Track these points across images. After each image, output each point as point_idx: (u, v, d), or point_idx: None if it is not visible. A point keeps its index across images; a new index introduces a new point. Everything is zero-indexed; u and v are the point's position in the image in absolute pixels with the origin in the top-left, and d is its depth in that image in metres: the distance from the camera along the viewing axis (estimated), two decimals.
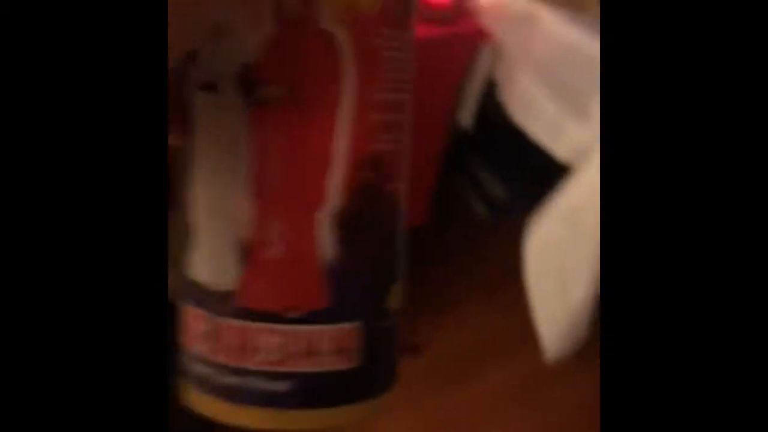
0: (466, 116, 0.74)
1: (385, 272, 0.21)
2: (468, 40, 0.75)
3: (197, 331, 0.20)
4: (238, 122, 0.19)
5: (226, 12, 0.18)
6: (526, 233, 0.59)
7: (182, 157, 0.20)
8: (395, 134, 0.20)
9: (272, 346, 0.19)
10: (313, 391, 0.20)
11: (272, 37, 0.18)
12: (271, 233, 0.19)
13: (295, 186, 0.19)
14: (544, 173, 0.60)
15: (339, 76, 0.19)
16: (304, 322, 0.19)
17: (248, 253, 0.19)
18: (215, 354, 0.20)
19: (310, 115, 0.19)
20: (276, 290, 0.19)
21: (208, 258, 0.20)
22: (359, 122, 0.19)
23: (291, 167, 0.19)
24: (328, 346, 0.20)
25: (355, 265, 0.20)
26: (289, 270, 0.19)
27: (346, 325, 0.20)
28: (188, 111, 0.20)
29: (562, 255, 0.54)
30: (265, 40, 0.18)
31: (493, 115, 0.69)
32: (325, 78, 0.19)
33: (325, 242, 0.19)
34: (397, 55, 0.20)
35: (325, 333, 0.20)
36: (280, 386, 0.20)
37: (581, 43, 0.58)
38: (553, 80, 0.61)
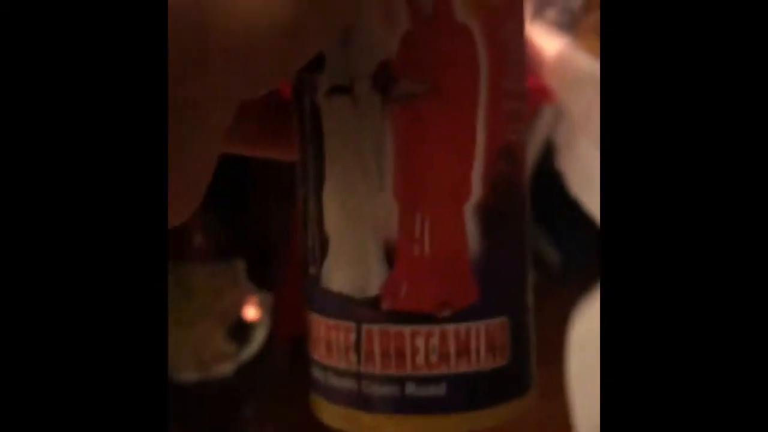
0: None
1: (523, 265, 0.21)
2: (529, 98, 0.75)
3: (340, 343, 0.20)
4: (376, 122, 0.19)
5: (360, 12, 0.18)
6: (575, 313, 0.57)
7: (307, 169, 0.20)
8: (522, 124, 0.21)
9: (426, 348, 0.19)
10: (467, 393, 0.19)
11: (409, 33, 0.18)
12: (416, 231, 0.19)
13: (441, 180, 0.19)
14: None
15: (476, 68, 0.19)
16: (456, 321, 0.19)
17: (394, 255, 0.19)
18: (365, 364, 0.19)
19: (452, 108, 0.19)
20: (426, 290, 0.19)
21: (351, 265, 0.19)
22: (494, 112, 0.19)
23: (436, 161, 0.19)
24: (479, 343, 0.19)
25: (498, 258, 0.20)
26: (438, 267, 0.19)
27: (496, 321, 0.20)
28: (314, 119, 0.20)
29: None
30: (402, 37, 0.18)
31: (551, 182, 0.65)
32: (463, 70, 0.19)
33: (472, 236, 0.19)
34: (518, 44, 0.20)
35: (477, 330, 0.19)
36: (436, 390, 0.19)
37: None
38: None
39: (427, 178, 0.19)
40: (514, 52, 0.20)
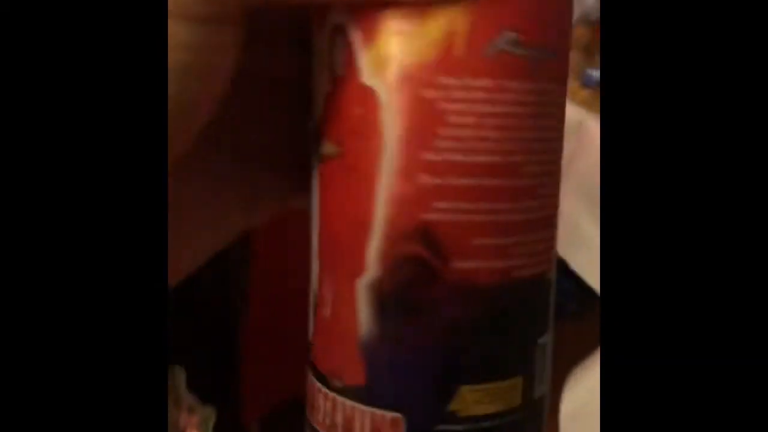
0: None
1: (441, 368, 0.18)
2: None
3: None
4: (311, 181, 0.19)
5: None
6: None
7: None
8: (459, 203, 0.17)
9: (324, 409, 0.19)
10: None
11: (329, 93, 0.18)
12: (326, 293, 0.19)
13: (338, 248, 0.18)
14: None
15: (378, 134, 0.17)
16: (345, 395, 0.18)
17: (314, 310, 0.19)
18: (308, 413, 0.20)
19: (351, 176, 0.18)
20: (326, 353, 0.19)
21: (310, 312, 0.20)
22: (403, 185, 0.17)
23: (336, 228, 0.18)
24: (363, 428, 0.18)
25: (394, 349, 0.18)
26: (335, 335, 0.18)
27: (387, 415, 0.18)
28: None
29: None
30: (324, 96, 0.18)
31: None
32: (364, 136, 0.17)
33: (363, 315, 0.18)
34: (468, 108, 0.17)
35: (362, 414, 0.18)
36: None
37: None
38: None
39: (330, 243, 0.18)
40: (446, 119, 0.17)
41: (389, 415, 0.18)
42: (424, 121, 0.17)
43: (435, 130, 0.17)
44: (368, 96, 0.17)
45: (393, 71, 0.17)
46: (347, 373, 0.18)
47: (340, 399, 0.18)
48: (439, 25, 0.16)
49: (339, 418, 0.18)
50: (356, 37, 0.17)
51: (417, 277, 0.17)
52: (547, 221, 0.18)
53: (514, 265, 0.18)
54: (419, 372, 0.17)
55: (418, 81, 0.16)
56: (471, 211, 0.17)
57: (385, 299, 0.17)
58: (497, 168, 0.17)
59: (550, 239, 0.19)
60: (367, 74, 0.17)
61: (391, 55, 0.17)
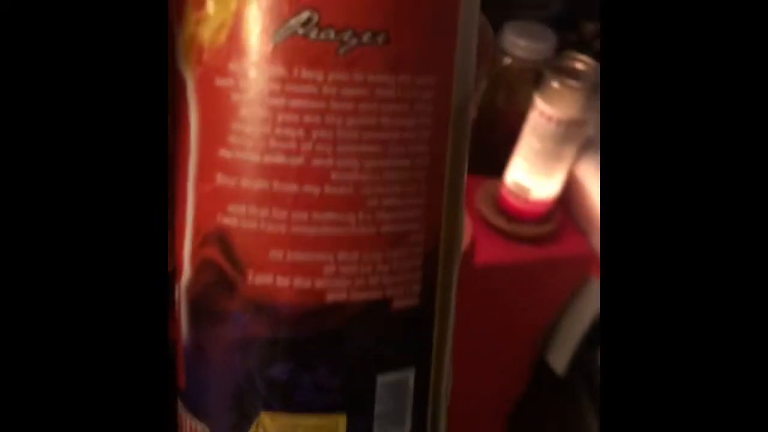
0: (560, 361, 0.57)
1: (237, 386, 0.16)
2: (569, 267, 0.61)
3: None
4: None
5: None
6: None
7: None
8: (253, 208, 0.15)
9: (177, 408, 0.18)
10: None
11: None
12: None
13: (171, 246, 0.17)
14: None
15: (186, 126, 0.15)
16: (178, 397, 0.17)
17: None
18: None
19: (172, 172, 0.16)
20: (174, 354, 0.18)
21: None
22: (202, 184, 0.15)
23: (171, 229, 0.17)
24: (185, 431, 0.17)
25: (200, 358, 0.16)
26: (174, 334, 0.17)
27: (197, 424, 0.16)
28: None
29: None
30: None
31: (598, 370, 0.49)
32: (177, 129, 0.16)
33: (183, 317, 0.16)
34: (260, 100, 0.14)
35: (184, 419, 0.17)
36: None
37: None
38: None
39: (170, 244, 0.17)
40: (241, 117, 0.15)
41: (200, 425, 0.16)
42: (218, 113, 0.15)
43: (228, 124, 0.15)
44: (180, 84, 0.15)
45: (194, 57, 0.15)
46: (178, 376, 0.17)
47: (179, 401, 0.17)
48: (230, 2, 0.14)
49: (179, 421, 0.17)
50: (173, 16, 0.15)
51: (215, 285, 0.15)
52: (389, 239, 0.15)
53: (328, 287, 0.15)
54: (220, 386, 0.16)
55: (213, 68, 0.15)
56: (265, 219, 0.15)
57: (192, 303, 0.16)
58: (296, 171, 0.15)
59: (400, 260, 0.15)
60: (178, 59, 0.15)
61: (192, 38, 0.15)
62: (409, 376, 0.16)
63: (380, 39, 0.14)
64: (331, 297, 0.15)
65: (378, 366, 0.16)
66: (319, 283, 0.15)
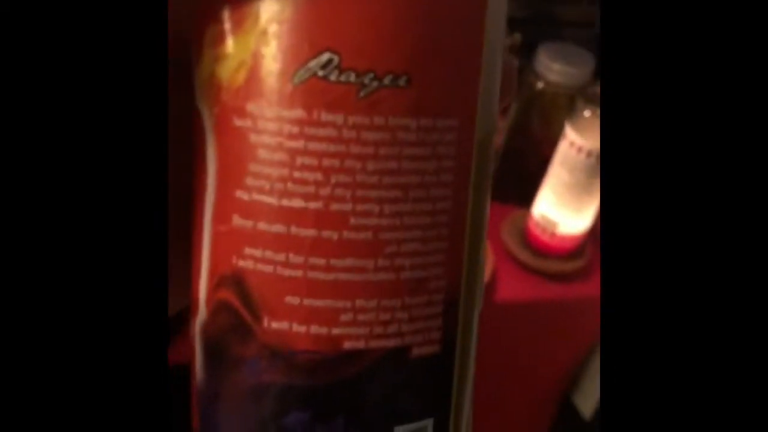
0: (588, 404, 0.55)
1: None
2: (598, 307, 0.56)
3: None
4: None
5: None
6: None
7: None
8: (269, 252, 0.14)
9: None
10: None
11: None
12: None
13: (189, 286, 0.17)
14: None
15: (203, 165, 0.15)
16: None
17: None
18: None
19: (192, 206, 0.16)
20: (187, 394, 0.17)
21: None
22: (219, 225, 0.15)
23: (192, 260, 0.17)
24: None
25: (214, 403, 0.16)
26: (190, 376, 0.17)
27: None
28: None
29: None
30: None
31: None
32: (196, 166, 0.16)
33: (197, 357, 0.16)
34: (279, 142, 0.14)
35: None
36: None
37: None
38: None
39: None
40: (260, 159, 0.14)
41: None
42: (236, 154, 0.15)
43: (246, 165, 0.14)
44: (197, 121, 0.15)
45: (212, 95, 0.15)
46: (192, 415, 0.17)
47: None
48: (249, 41, 0.14)
49: None
50: (192, 52, 0.15)
51: (231, 329, 0.15)
52: (408, 286, 0.15)
53: (345, 334, 0.15)
54: None
55: (231, 108, 0.14)
56: (282, 264, 0.14)
57: (207, 346, 0.16)
58: (315, 216, 0.14)
59: (419, 307, 0.15)
60: (197, 96, 0.15)
61: (211, 75, 0.15)
62: (428, 426, 0.16)
63: (401, 82, 0.14)
64: (348, 345, 0.15)
65: (396, 416, 0.15)
66: (336, 331, 0.14)
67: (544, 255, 0.60)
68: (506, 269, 0.59)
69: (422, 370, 0.15)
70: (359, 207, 0.14)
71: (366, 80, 0.14)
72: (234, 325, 0.15)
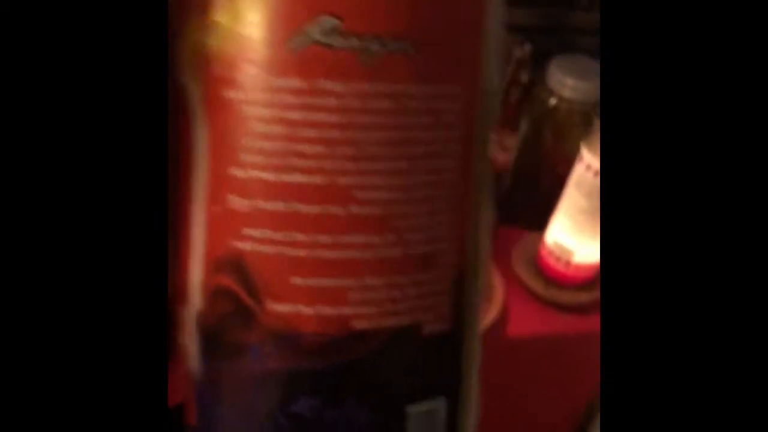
0: None
1: (259, 425, 0.15)
2: None
3: None
4: None
5: None
6: None
7: None
8: (271, 232, 0.14)
9: None
10: None
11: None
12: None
13: (172, 271, 0.15)
14: None
15: (189, 147, 0.14)
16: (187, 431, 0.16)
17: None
18: None
19: (174, 194, 0.15)
20: (176, 382, 0.16)
21: None
22: (213, 206, 0.14)
23: (171, 251, 0.16)
24: None
25: (216, 394, 0.15)
26: (178, 366, 0.16)
27: None
28: None
29: None
30: None
31: None
32: (179, 145, 0.14)
33: (193, 349, 0.15)
34: (276, 114, 0.13)
35: None
36: None
37: None
38: None
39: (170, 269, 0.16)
40: (255, 127, 0.13)
41: None
42: (228, 128, 0.14)
43: (239, 140, 0.14)
44: (181, 96, 0.14)
45: (200, 66, 0.14)
46: (187, 411, 0.16)
47: None
48: (239, 6, 0.13)
49: None
50: (174, 23, 0.14)
51: (231, 316, 0.14)
52: (418, 261, 0.14)
53: (354, 314, 0.14)
54: (238, 425, 0.15)
55: (221, 79, 0.14)
56: (285, 243, 0.14)
57: (205, 335, 0.15)
58: (318, 191, 0.13)
59: (429, 283, 0.15)
60: (181, 69, 0.14)
61: (197, 46, 0.14)
62: (441, 405, 0.15)
63: (406, 46, 0.13)
64: (357, 324, 0.14)
65: (408, 397, 0.15)
66: (345, 310, 0.14)
67: (557, 285, 0.56)
68: (517, 300, 0.56)
69: (434, 348, 0.15)
70: (365, 180, 0.14)
71: (369, 45, 0.13)
72: (234, 311, 0.14)
